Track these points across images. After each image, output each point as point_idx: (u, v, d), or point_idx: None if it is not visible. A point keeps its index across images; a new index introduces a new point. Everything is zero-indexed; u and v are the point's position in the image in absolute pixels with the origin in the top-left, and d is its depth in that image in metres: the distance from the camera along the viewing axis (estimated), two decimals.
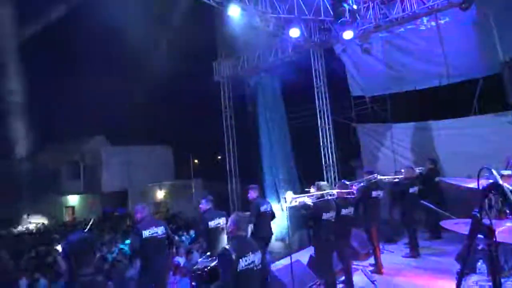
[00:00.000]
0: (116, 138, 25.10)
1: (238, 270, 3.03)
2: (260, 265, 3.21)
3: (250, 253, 3.15)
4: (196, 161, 28.74)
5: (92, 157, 24.71)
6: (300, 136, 12.64)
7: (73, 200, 26.11)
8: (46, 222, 23.99)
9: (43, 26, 19.05)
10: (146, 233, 4.76)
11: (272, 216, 6.33)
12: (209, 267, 3.97)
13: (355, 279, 5.45)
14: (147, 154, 24.83)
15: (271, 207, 6.39)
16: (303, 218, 5.09)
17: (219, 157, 20.76)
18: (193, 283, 5.14)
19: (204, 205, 5.55)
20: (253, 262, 3.15)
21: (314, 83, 10.89)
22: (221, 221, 5.41)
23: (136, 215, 4.98)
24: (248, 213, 5.89)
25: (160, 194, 24.47)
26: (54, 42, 19.60)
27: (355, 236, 6.49)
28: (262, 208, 6.15)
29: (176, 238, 9.38)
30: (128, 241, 11.34)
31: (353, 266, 5.78)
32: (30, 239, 15.86)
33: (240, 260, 3.07)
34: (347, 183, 5.73)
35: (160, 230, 4.88)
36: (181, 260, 8.89)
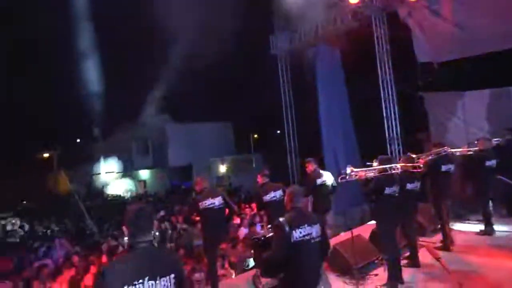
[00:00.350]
0: (180, 116, 26.28)
1: (292, 241, 3.06)
2: (319, 238, 3.21)
3: (306, 225, 3.14)
4: (256, 136, 29.18)
5: (159, 134, 26.24)
6: (361, 108, 12.18)
7: (144, 174, 28.14)
8: (124, 194, 26.30)
9: (110, 9, 20.03)
10: (203, 204, 5.00)
11: (331, 189, 6.27)
12: (266, 236, 4.09)
13: (421, 256, 5.25)
14: (209, 130, 25.72)
15: (329, 180, 6.32)
16: (364, 192, 4.97)
17: (278, 132, 20.84)
18: (251, 251, 5.39)
19: (261, 179, 5.69)
20: (309, 234, 3.15)
21: (376, 51, 10.29)
22: (277, 194, 5.48)
23: (196, 187, 5.26)
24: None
25: (222, 169, 25.37)
26: (117, 24, 20.60)
27: (422, 211, 6.20)
28: (319, 181, 6.11)
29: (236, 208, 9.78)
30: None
31: (419, 243, 5.56)
32: (109, 209, 17.50)
33: (294, 231, 3.08)
34: (413, 156, 5.45)
35: (217, 201, 5.09)
36: (245, 231, 9.28)
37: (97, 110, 28.96)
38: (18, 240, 12.24)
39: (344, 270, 5.22)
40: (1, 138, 25.88)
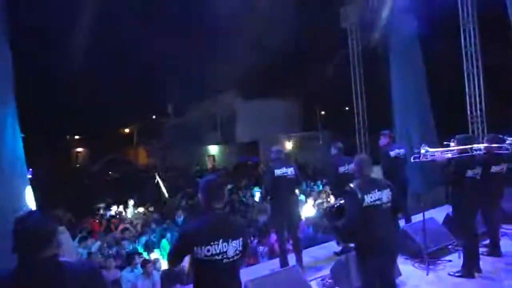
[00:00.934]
0: (248, 92, 26.62)
1: (363, 205, 3.22)
2: (390, 203, 3.33)
3: (376, 190, 3.29)
4: (323, 112, 28.57)
5: (227, 110, 26.97)
6: (439, 83, 11.20)
7: (213, 149, 29.34)
8: (193, 167, 27.81)
9: None
10: (277, 172, 5.16)
11: (405, 161, 6.02)
12: (337, 205, 4.07)
13: (503, 245, 4.82)
14: (276, 106, 25.75)
15: (404, 152, 6.09)
16: (441, 174, 4.64)
17: (347, 108, 20.14)
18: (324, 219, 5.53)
19: (333, 152, 5.79)
20: (379, 199, 3.29)
21: (460, 19, 9.29)
22: (350, 167, 5.45)
23: (271, 155, 5.49)
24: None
25: (288, 145, 25.41)
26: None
27: (509, 196, 5.62)
28: (393, 153, 5.92)
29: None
30: (256, 189, 12.37)
31: (502, 230, 5.10)
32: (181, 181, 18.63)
33: (365, 196, 3.24)
34: (501, 136, 4.92)
35: (290, 171, 5.23)
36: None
37: (170, 87, 30.56)
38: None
39: (413, 254, 5.00)
40: (85, 114, 28.67)
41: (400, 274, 4.44)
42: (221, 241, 2.42)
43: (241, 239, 2.51)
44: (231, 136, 26.54)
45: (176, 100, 31.56)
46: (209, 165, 27.95)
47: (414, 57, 11.00)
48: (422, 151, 4.65)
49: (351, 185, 3.31)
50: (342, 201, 3.88)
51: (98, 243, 7.56)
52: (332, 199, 9.34)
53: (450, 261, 4.84)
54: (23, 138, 4.79)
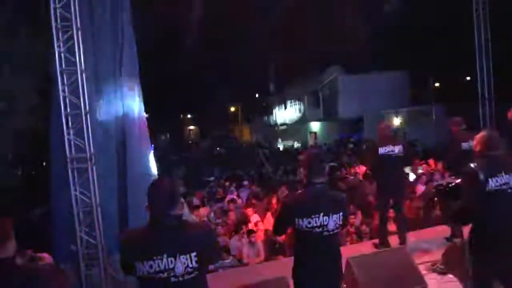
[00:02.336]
0: (351, 66, 25.47)
1: (486, 190, 2.71)
2: None
3: (503, 172, 2.74)
4: (437, 84, 25.79)
5: (330, 86, 26.27)
6: None
7: (315, 126, 29.12)
8: (295, 144, 28.13)
9: None
10: (381, 150, 4.95)
11: None
12: (453, 184, 3.68)
13: None
14: (382, 80, 24.15)
15: None
16: None
17: (468, 78, 17.78)
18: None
19: (456, 128, 5.22)
20: (507, 183, 2.73)
21: None
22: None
23: (377, 132, 5.26)
24: None
25: (396, 121, 23.73)
26: None
27: None
28: None
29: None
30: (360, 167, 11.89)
31: None
32: (282, 156, 19.05)
33: (490, 180, 2.71)
34: None
35: (397, 149, 4.96)
36: (422, 188, 8.64)
37: (271, 66, 31.03)
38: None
39: None
40: (195, 94, 31.03)
41: None
42: (321, 214, 2.45)
43: (341, 213, 2.52)
44: (334, 113, 25.90)
45: (278, 78, 32.02)
46: (311, 142, 27.93)
47: None
48: None
49: (472, 165, 2.79)
50: (458, 181, 3.47)
51: (208, 211, 8.29)
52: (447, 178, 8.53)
53: None
54: (146, 117, 5.47)
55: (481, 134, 2.99)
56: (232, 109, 40.42)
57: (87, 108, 4.56)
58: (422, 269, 4.09)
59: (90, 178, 4.53)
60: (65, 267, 4.40)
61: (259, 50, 26.49)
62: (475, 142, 3.01)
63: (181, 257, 1.98)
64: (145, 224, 2.09)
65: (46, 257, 2.46)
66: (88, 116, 4.57)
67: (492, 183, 2.73)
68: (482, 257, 2.78)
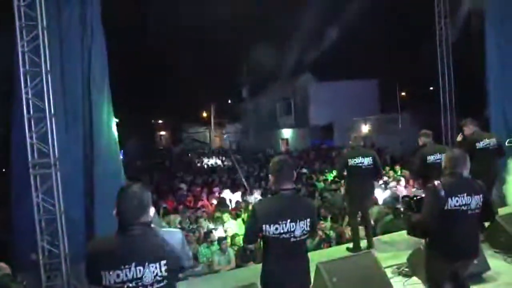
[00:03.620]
0: (323, 74, 26.00)
1: (445, 208, 2.84)
2: (478, 210, 2.90)
3: (465, 194, 2.86)
4: (403, 93, 26.80)
5: (301, 93, 26.66)
6: None
7: (286, 133, 29.42)
8: (266, 150, 28.26)
9: None
10: (351, 161, 5.04)
11: (497, 153, 5.32)
12: (418, 197, 3.83)
13: None
14: (352, 88, 24.77)
15: (495, 142, 5.29)
16: None
17: (431, 88, 18.55)
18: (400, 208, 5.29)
19: (423, 140, 5.34)
20: (467, 204, 2.86)
21: None
22: (442, 156, 5.05)
23: (349, 143, 5.37)
24: None
25: (364, 129, 24.40)
26: None
27: None
28: (480, 145, 5.21)
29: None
30: (331, 174, 12.13)
31: None
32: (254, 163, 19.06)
33: (450, 199, 2.84)
34: None
35: (366, 161, 5.05)
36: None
37: (244, 72, 31.18)
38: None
39: (506, 247, 4.52)
40: (167, 99, 30.59)
41: (489, 269, 4.07)
42: (289, 221, 2.46)
43: (309, 219, 2.52)
44: (305, 119, 26.29)
45: (250, 84, 32.17)
46: (283, 149, 28.15)
47: None
48: None
49: (436, 182, 2.91)
50: (423, 194, 3.62)
51: (179, 218, 8.15)
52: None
53: None
54: (117, 123, 5.32)
55: (448, 153, 3.13)
56: (204, 114, 40.16)
57: (52, 111, 4.39)
58: (388, 272, 4.20)
59: (54, 185, 4.35)
60: (25, 277, 4.19)
61: (232, 55, 26.56)
62: (444, 160, 3.12)
63: (150, 265, 1.93)
64: (113, 232, 2.03)
65: (3, 267, 2.33)
66: (53, 119, 4.40)
67: (452, 202, 2.84)
68: (439, 265, 2.96)
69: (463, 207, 2.86)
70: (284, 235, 2.45)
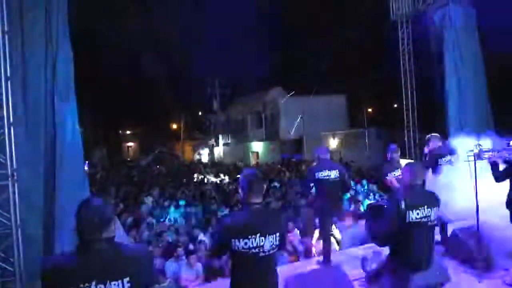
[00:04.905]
0: (293, 89, 26.45)
1: (406, 221, 2.96)
2: (436, 221, 3.09)
3: (426, 206, 2.99)
4: (370, 109, 27.72)
5: (272, 107, 26.95)
6: (502, 78, 10.38)
7: (257, 146, 29.53)
8: (237, 163, 28.17)
9: None
10: (318, 174, 5.05)
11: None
12: (376, 205, 3.94)
13: None
14: (321, 103, 25.33)
15: (451, 161, 5.58)
16: (495, 176, 4.30)
17: (395, 105, 19.34)
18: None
19: (391, 156, 5.58)
20: (427, 216, 3.00)
21: None
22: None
23: (315, 155, 5.36)
24: None
25: (333, 143, 24.94)
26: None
27: None
28: (442, 161, 5.46)
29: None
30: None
31: None
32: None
33: (410, 211, 2.96)
34: None
35: (333, 174, 5.08)
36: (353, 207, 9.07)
37: (215, 84, 31.20)
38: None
39: (465, 259, 4.70)
40: (135, 110, 30.00)
41: (449, 280, 4.19)
42: (258, 235, 2.42)
43: (278, 233, 2.49)
44: (275, 133, 26.53)
45: (221, 97, 32.20)
46: (253, 162, 28.19)
47: (473, 51, 10.27)
48: (475, 150, 4.33)
49: (399, 195, 3.06)
50: (385, 203, 3.73)
51: (146, 233, 7.91)
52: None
53: (507, 270, 4.48)
54: (81, 132, 5.12)
55: (406, 165, 3.26)
56: (174, 126, 39.62)
57: (11, 119, 4.17)
58: (356, 285, 4.24)
59: (11, 197, 4.11)
60: None
61: (203, 68, 26.59)
62: (402, 172, 3.25)
63: (112, 283, 1.84)
64: (73, 249, 1.93)
65: None
66: (12, 128, 4.18)
67: (413, 215, 2.95)
68: (399, 273, 3.08)
69: (424, 218, 2.98)
70: (253, 250, 2.41)
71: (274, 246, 2.47)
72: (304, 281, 3.75)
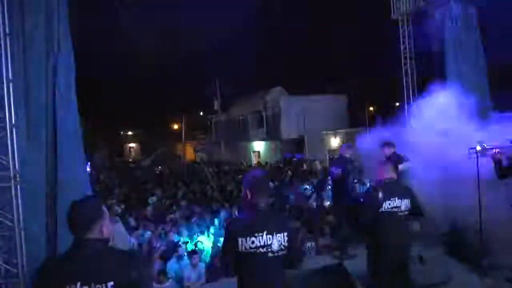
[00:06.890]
0: (293, 88, 26.46)
1: (381, 210, 3.41)
2: (407, 212, 3.52)
3: (397, 198, 3.48)
4: (371, 108, 27.68)
5: (273, 107, 26.93)
6: (505, 77, 10.36)
7: (258, 146, 29.52)
8: (239, 163, 28.18)
9: None
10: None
11: None
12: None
13: None
14: (323, 102, 25.33)
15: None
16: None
17: (397, 104, 19.27)
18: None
19: (387, 151, 5.75)
20: (398, 207, 3.48)
21: None
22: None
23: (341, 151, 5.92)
24: None
25: (334, 142, 24.91)
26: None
27: None
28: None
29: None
30: (303, 186, 12.22)
31: None
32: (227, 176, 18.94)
33: (385, 202, 3.44)
34: None
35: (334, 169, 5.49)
36: None
37: (216, 84, 31.20)
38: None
39: (468, 258, 4.68)
40: (137, 111, 30.02)
41: (450, 279, 4.19)
42: (265, 233, 2.41)
43: (285, 233, 2.46)
44: (277, 133, 26.52)
45: (222, 97, 32.18)
46: (255, 161, 28.18)
47: (474, 50, 10.21)
48: (478, 148, 4.33)
49: (376, 187, 3.54)
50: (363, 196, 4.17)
51: (149, 233, 7.91)
52: None
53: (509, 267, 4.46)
54: (83, 130, 5.11)
55: (379, 161, 3.89)
56: (175, 126, 39.64)
57: (13, 121, 4.18)
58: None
59: (14, 199, 4.11)
60: None
61: (204, 68, 26.61)
62: (378, 167, 3.75)
63: (97, 286, 1.84)
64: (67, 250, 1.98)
65: None
66: (14, 130, 4.18)
67: (386, 205, 3.44)
68: (379, 262, 3.53)
69: (395, 208, 3.47)
70: (261, 249, 2.39)
71: (282, 246, 2.43)
72: (304, 279, 3.76)
